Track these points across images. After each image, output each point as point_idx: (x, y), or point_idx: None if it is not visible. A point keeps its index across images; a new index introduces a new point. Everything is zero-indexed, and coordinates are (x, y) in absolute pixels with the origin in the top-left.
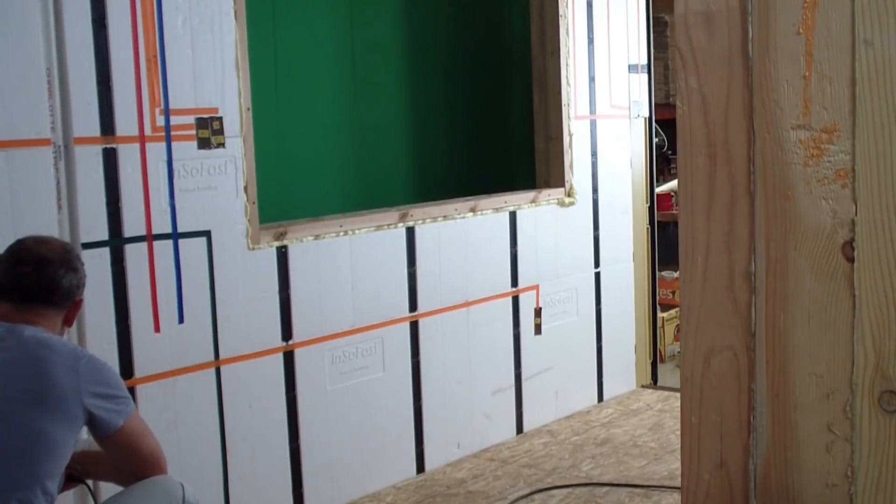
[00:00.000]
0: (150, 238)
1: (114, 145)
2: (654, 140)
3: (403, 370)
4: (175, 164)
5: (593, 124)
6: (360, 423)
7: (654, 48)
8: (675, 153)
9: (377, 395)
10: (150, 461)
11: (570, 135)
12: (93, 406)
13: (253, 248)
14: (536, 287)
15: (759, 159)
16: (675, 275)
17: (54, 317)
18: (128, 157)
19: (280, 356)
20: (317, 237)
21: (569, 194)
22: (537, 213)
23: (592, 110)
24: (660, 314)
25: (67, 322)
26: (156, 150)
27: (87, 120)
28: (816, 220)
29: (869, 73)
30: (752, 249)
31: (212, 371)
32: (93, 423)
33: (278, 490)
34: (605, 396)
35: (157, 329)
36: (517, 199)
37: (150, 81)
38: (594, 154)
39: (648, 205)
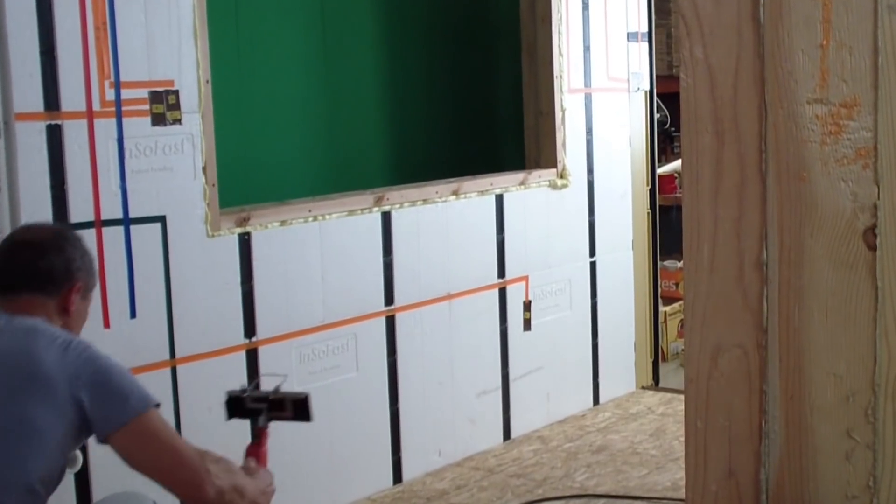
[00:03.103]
0: (98, 224)
1: (59, 122)
2: (656, 116)
3: (379, 370)
4: (126, 143)
5: (588, 98)
6: (331, 428)
7: (656, 14)
8: (678, 130)
9: (350, 397)
10: (174, 463)
11: (563, 110)
12: (84, 398)
13: (212, 236)
14: (526, 278)
15: (771, 137)
16: (679, 264)
17: (46, 304)
18: (74, 135)
19: (243, 354)
20: (283, 223)
21: (561, 176)
22: (526, 196)
23: (587, 83)
24: (662, 308)
25: (64, 310)
26: (105, 127)
27: (28, 94)
28: (835, 204)
29: (893, 42)
30: (764, 236)
31: (167, 371)
32: (86, 418)
33: None
34: (602, 399)
35: (107, 325)
36: (504, 181)
37: (98, 51)
38: (589, 131)
39: (649, 187)
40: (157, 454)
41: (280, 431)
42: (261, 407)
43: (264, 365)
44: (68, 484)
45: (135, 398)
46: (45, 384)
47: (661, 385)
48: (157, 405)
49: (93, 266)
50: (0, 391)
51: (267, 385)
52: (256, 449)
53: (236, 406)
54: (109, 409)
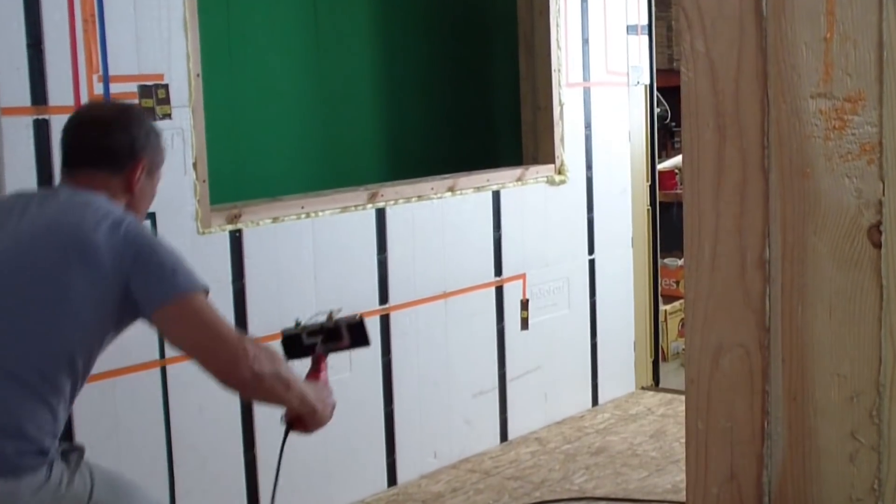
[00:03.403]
0: None
1: (46, 116)
2: (656, 110)
3: (373, 370)
4: None
5: (587, 92)
6: (325, 429)
7: (656, 7)
8: (679, 125)
9: (343, 398)
10: (211, 340)
11: (561, 104)
12: (129, 275)
13: (203, 233)
14: (523, 276)
15: (773, 132)
16: (680, 262)
17: (110, 181)
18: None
19: None
20: (275, 220)
21: (559, 172)
22: (524, 192)
23: (586, 77)
24: (662, 307)
25: (128, 188)
26: None
27: (15, 88)
28: (839, 201)
29: None
30: (767, 234)
31: (157, 371)
32: (130, 296)
33: None
34: (601, 400)
35: None
36: (501, 177)
37: (86, 44)
38: (588, 126)
39: (649, 183)
40: (195, 332)
41: (274, 435)
42: (316, 341)
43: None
44: None
45: (179, 279)
46: (93, 259)
47: (661, 385)
48: (206, 291)
49: (159, 144)
50: (50, 263)
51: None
52: (315, 375)
53: (293, 345)
54: (152, 289)
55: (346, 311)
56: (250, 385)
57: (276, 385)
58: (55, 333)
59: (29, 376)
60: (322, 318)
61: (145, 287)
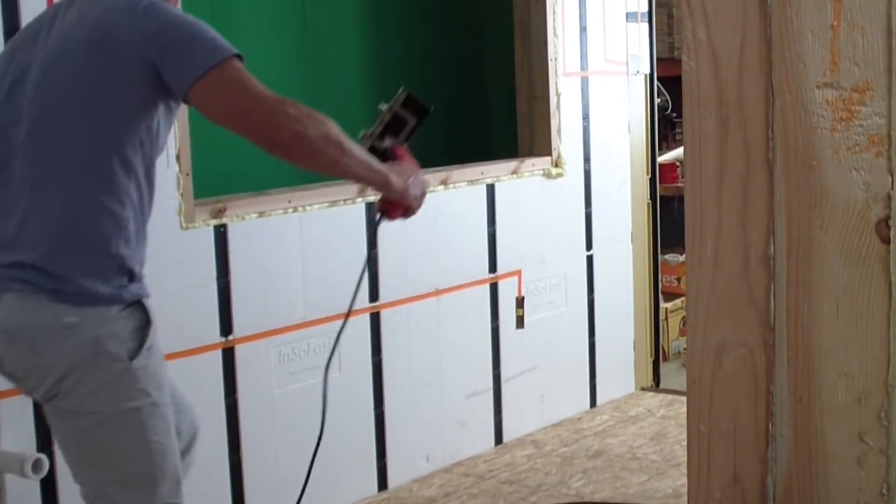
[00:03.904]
0: None
1: None
2: (657, 101)
3: (363, 370)
4: None
5: (585, 82)
6: (312, 431)
7: None
8: (680, 116)
9: (332, 398)
10: (250, 108)
11: (558, 95)
12: (156, 56)
13: (186, 228)
14: (518, 273)
15: (778, 123)
16: (681, 258)
17: None
18: None
19: (218, 354)
20: (261, 214)
21: (556, 164)
22: (519, 186)
23: (584, 66)
24: (663, 305)
25: None
26: None
27: None
28: (846, 195)
29: None
30: (771, 229)
31: None
32: (162, 80)
33: None
34: (599, 401)
35: None
36: (496, 170)
37: None
38: (586, 117)
39: (649, 177)
40: (229, 99)
41: (260, 437)
42: (387, 141)
43: (241, 365)
44: (34, 491)
45: (206, 51)
46: (116, 50)
47: (661, 386)
48: (238, 56)
49: None
50: (72, 60)
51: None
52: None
53: (374, 155)
54: (179, 69)
55: (334, 310)
56: (296, 148)
57: (327, 147)
58: (98, 134)
59: (85, 184)
60: (378, 121)
61: (173, 68)
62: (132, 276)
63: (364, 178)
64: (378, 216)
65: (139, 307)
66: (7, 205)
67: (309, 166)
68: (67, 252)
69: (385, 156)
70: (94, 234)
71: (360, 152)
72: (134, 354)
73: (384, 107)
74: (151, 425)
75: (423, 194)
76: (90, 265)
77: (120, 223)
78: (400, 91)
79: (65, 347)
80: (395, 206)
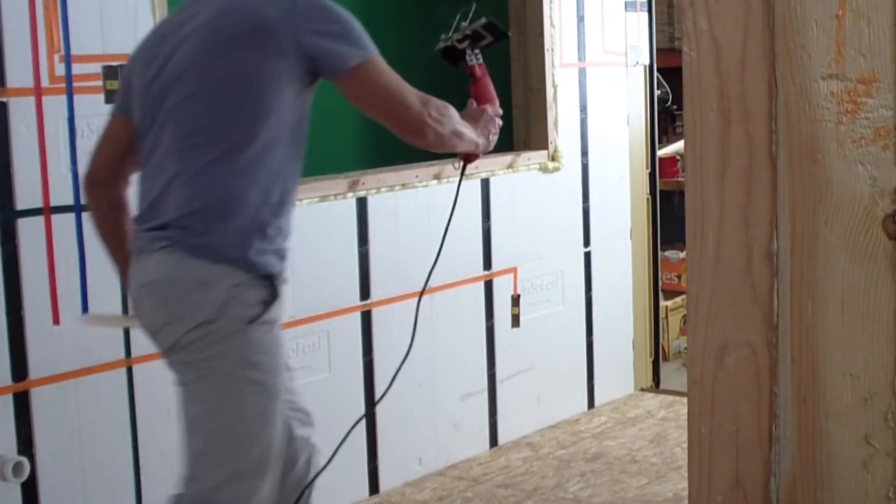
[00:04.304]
0: (47, 211)
1: (4, 99)
2: (656, 93)
3: (354, 370)
4: (78, 122)
5: (582, 73)
6: None
7: None
8: (680, 108)
9: (322, 400)
10: (397, 107)
11: (555, 86)
12: (311, 45)
13: None
14: (514, 270)
15: (782, 116)
16: (682, 255)
17: None
18: (21, 114)
19: None
20: None
21: (553, 158)
22: (514, 180)
23: (581, 57)
24: (663, 303)
25: None
26: (55, 105)
27: None
28: (852, 189)
29: None
30: (775, 224)
31: (122, 371)
32: (317, 63)
33: None
34: (597, 402)
35: (56, 321)
36: (490, 164)
37: (47, 22)
38: (583, 110)
39: (649, 171)
40: (382, 99)
41: None
42: (465, 46)
43: None
44: (14, 495)
45: (359, 45)
46: (269, 32)
47: (661, 387)
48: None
49: None
50: (225, 40)
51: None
52: (475, 88)
53: (449, 53)
54: (333, 56)
55: (323, 308)
56: (432, 143)
57: (452, 139)
58: (249, 109)
59: (233, 155)
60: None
61: (325, 54)
62: (272, 249)
63: (461, 151)
64: (463, 165)
65: (269, 281)
66: (155, 172)
67: (431, 150)
68: (211, 216)
69: (461, 55)
70: (239, 202)
71: (467, 134)
72: (253, 320)
73: (465, 24)
74: (252, 403)
75: (496, 131)
76: (232, 229)
77: (265, 194)
78: (483, 18)
79: (194, 302)
80: (477, 155)
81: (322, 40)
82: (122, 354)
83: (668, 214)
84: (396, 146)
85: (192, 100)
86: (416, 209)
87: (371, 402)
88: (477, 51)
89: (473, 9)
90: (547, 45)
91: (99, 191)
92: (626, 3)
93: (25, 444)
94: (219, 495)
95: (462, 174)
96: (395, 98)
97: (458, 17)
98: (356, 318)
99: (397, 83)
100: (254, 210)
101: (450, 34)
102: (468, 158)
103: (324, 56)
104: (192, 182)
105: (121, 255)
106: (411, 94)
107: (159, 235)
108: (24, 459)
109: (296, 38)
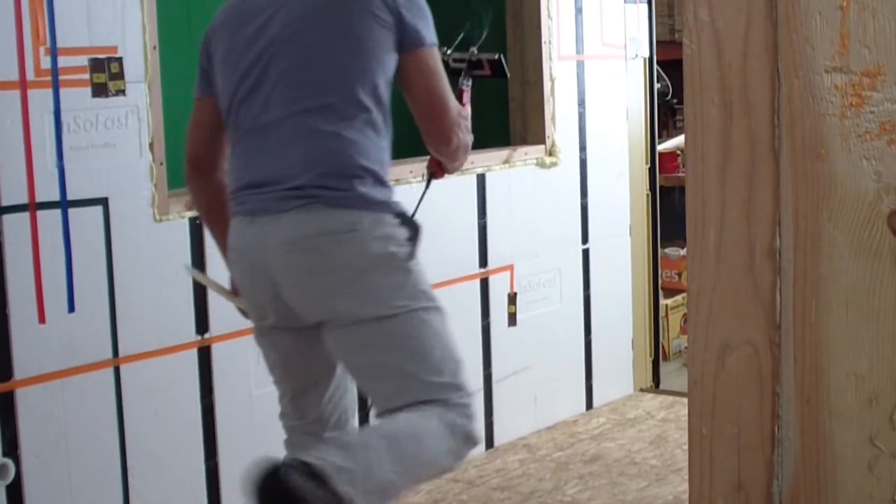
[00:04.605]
0: (32, 207)
1: None
2: (656, 86)
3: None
4: (64, 116)
5: (581, 66)
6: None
7: None
8: (681, 102)
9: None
10: (439, 102)
11: (553, 80)
12: (404, 17)
13: (160, 220)
14: (510, 268)
15: (785, 110)
16: (682, 252)
17: None
18: (5, 108)
19: (194, 353)
20: None
21: (550, 153)
22: (511, 175)
23: (580, 49)
24: (663, 301)
25: None
26: (40, 99)
27: None
28: (856, 185)
29: None
30: (777, 221)
31: (109, 371)
32: (403, 34)
33: None
34: (596, 403)
35: (42, 320)
36: (486, 159)
37: (32, 14)
38: (582, 104)
39: (649, 166)
40: (431, 88)
41: (238, 441)
42: (461, 67)
43: (218, 365)
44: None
45: (430, 29)
46: (374, 2)
47: (661, 387)
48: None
49: None
50: (332, 5)
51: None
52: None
53: (445, 66)
54: (412, 32)
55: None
56: (450, 149)
57: (463, 154)
58: (360, 70)
59: (350, 113)
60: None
61: (412, 28)
62: (393, 195)
63: (458, 166)
64: (428, 176)
65: (406, 218)
66: (264, 138)
67: (440, 158)
68: (339, 171)
69: (454, 73)
70: (361, 155)
71: (467, 151)
72: (410, 258)
73: (475, 50)
74: (439, 324)
75: (464, 160)
76: (361, 179)
77: (378, 146)
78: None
79: (350, 249)
80: (445, 170)
81: (409, 14)
82: (109, 354)
83: (668, 211)
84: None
85: (305, 62)
86: (409, 205)
87: (362, 403)
88: (470, 79)
89: (484, 36)
90: (544, 38)
91: (203, 176)
92: None
93: (10, 445)
94: (458, 379)
95: (427, 187)
96: (441, 92)
97: (462, 32)
98: None
99: (445, 81)
100: (377, 162)
101: (451, 48)
102: (436, 174)
103: (410, 29)
104: (315, 141)
105: (218, 229)
106: (452, 97)
107: (292, 195)
108: (9, 461)
109: (396, 7)
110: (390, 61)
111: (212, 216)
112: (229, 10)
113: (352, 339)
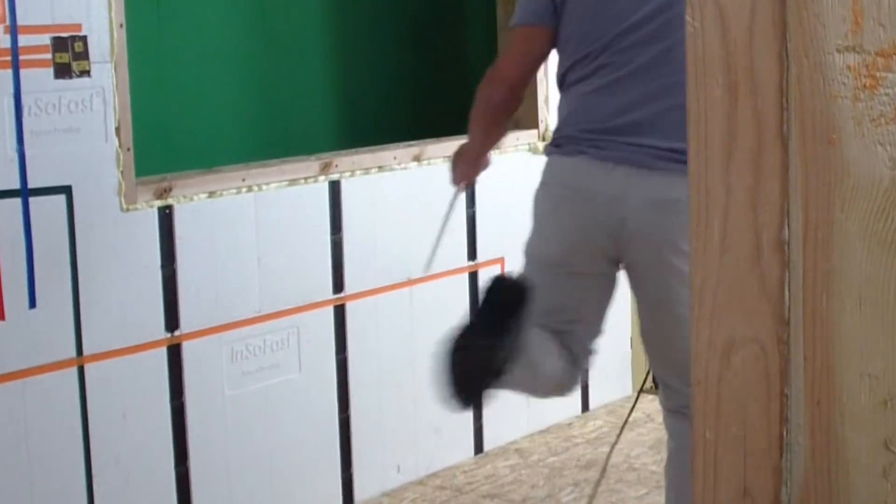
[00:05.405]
0: None
1: None
2: None
3: (326, 369)
4: (25, 99)
5: None
6: (269, 439)
7: None
8: None
9: (291, 402)
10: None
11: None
12: None
13: (127, 209)
14: (501, 261)
15: (793, 91)
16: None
17: None
18: None
19: (163, 351)
20: (211, 195)
21: (544, 138)
22: (502, 162)
23: None
24: None
25: None
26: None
27: None
28: (870, 172)
29: None
30: (786, 210)
31: (73, 371)
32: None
33: None
34: (592, 405)
35: (2, 316)
36: None
37: None
38: None
39: None
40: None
41: (210, 445)
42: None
43: (189, 365)
44: None
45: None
46: None
47: None
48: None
49: None
50: None
51: None
52: None
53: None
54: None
55: (293, 302)
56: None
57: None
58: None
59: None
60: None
61: None
62: None
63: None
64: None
65: None
66: (652, 101)
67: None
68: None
69: None
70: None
71: (474, 124)
72: None
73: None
74: None
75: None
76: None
77: None
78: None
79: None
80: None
81: None
82: (73, 353)
83: None
84: (373, 125)
85: (675, 32)
86: (393, 193)
87: (345, 406)
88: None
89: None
90: None
91: (514, 97)
92: None
93: None
94: None
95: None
96: (501, 55)
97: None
98: (329, 312)
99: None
100: None
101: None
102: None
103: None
104: (683, 114)
105: (490, 138)
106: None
107: (665, 156)
108: None
109: None
110: None
111: (492, 126)
112: None
113: (665, 316)
